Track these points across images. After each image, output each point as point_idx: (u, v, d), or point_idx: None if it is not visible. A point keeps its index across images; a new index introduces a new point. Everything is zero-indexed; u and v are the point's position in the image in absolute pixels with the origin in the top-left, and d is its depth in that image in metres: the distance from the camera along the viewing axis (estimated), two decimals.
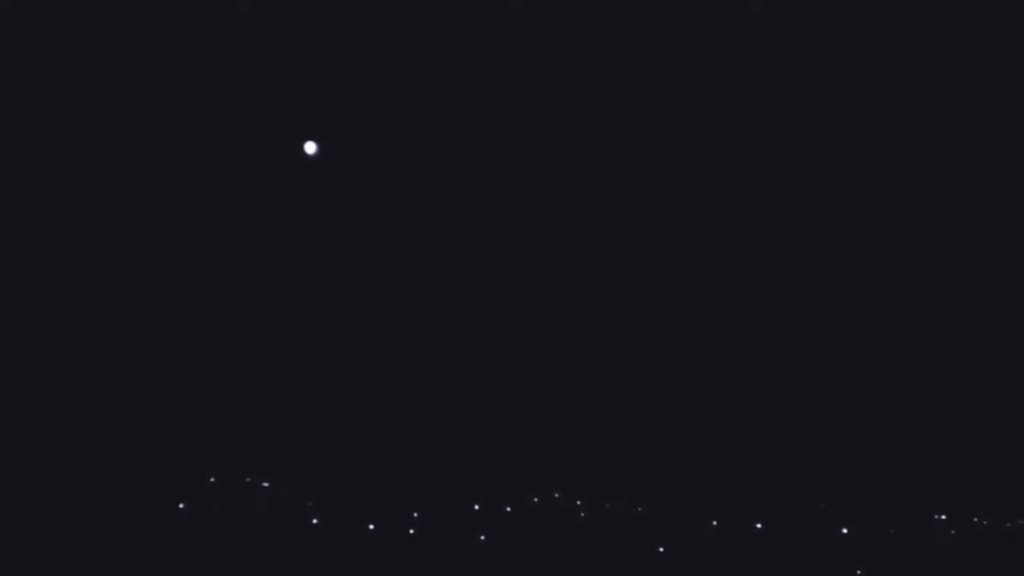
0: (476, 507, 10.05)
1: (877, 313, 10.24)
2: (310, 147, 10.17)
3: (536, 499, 10.07)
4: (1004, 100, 9.95)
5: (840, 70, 10.09)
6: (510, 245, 10.49)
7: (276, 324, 10.42)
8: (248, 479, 9.95)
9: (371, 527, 9.96)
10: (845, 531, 9.83)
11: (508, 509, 10.05)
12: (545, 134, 10.39)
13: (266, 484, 9.96)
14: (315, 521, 9.95)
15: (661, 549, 9.87)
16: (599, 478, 10.15)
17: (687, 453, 10.16)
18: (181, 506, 9.86)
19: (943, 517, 9.79)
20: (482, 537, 9.99)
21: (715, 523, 9.94)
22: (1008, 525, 9.69)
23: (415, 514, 10.03)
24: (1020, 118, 9.94)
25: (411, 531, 10.00)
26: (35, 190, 10.38)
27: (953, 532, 9.74)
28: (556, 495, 10.06)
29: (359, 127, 10.47)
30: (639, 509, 10.00)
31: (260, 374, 10.31)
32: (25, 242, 10.34)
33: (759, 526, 9.87)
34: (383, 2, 10.25)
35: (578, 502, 10.03)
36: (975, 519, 9.79)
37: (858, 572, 9.61)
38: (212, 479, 9.93)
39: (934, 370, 10.11)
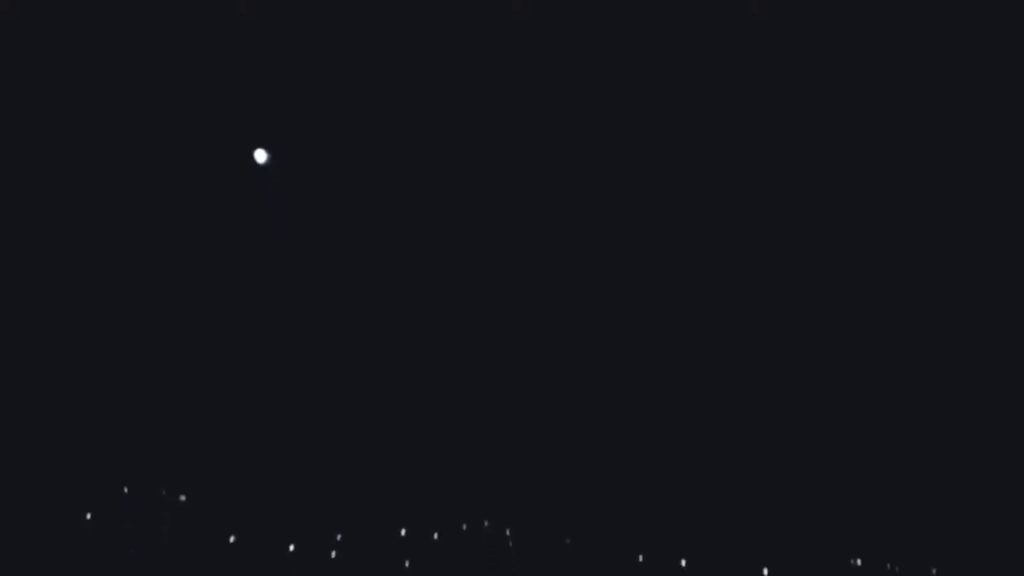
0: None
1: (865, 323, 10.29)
2: (260, 156, 10.18)
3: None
4: (1004, 100, 9.97)
5: (840, 70, 10.10)
6: (508, 244, 10.53)
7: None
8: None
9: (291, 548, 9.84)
10: None
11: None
12: (545, 134, 10.41)
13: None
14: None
15: None
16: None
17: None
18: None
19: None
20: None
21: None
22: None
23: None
24: (1020, 118, 9.96)
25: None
26: (34, 189, 10.41)
27: None
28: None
29: (360, 126, 10.49)
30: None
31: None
32: (23, 240, 10.38)
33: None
34: (384, 2, 10.26)
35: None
36: None
37: None
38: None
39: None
